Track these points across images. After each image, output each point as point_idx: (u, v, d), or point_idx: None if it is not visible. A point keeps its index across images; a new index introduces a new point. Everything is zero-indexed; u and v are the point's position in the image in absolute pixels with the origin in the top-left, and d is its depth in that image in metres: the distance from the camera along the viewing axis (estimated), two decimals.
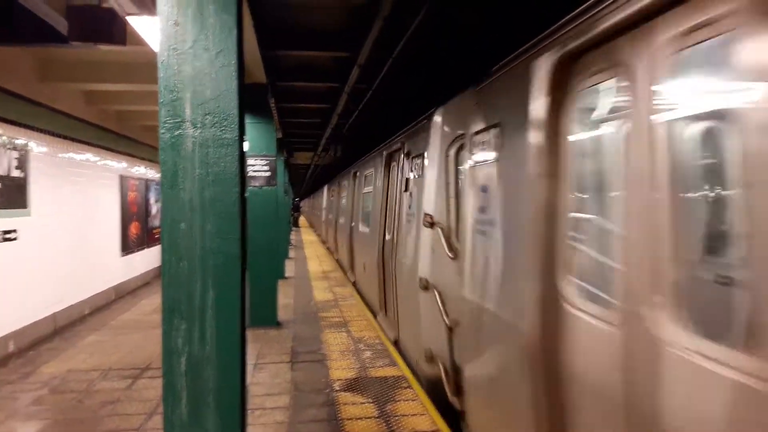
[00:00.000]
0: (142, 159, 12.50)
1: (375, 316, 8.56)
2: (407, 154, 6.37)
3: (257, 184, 7.87)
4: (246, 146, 8.02)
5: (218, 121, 2.80)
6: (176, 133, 2.78)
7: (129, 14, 4.19)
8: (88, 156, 9.36)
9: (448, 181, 4.60)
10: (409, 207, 6.09)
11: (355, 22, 5.94)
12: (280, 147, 13.26)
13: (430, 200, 4.91)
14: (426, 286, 4.90)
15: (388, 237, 7.45)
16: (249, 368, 6.07)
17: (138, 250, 12.00)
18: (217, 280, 2.82)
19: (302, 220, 47.25)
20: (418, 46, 5.92)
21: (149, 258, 13.05)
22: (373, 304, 8.84)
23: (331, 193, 18.10)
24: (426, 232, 4.98)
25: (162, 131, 2.78)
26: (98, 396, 5.16)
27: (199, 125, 2.79)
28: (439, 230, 4.53)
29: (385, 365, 6.18)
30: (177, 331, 2.79)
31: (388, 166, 7.98)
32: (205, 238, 2.81)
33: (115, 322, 8.54)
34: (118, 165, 10.93)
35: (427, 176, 5.10)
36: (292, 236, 25.64)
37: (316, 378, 5.74)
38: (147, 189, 12.85)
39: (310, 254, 19.15)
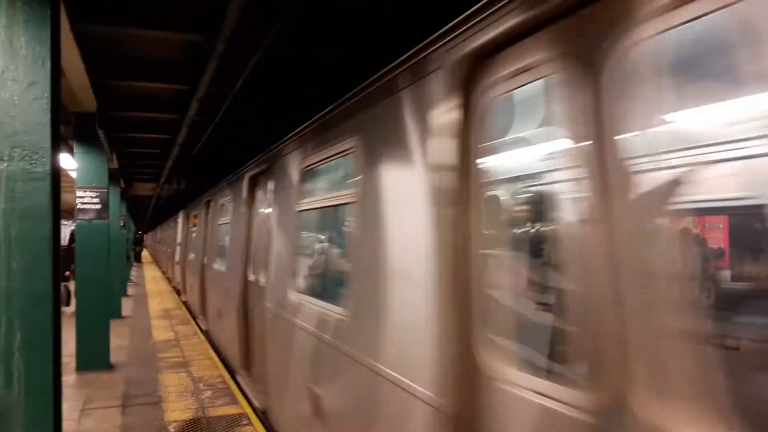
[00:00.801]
0: None
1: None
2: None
3: (86, 217, 7.39)
4: (75, 177, 7.57)
5: (28, 154, 2.70)
6: None
7: None
8: None
9: None
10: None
11: (193, 56, 5.93)
12: (116, 177, 12.52)
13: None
14: None
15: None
16: (75, 414, 5.64)
17: None
18: (25, 321, 2.68)
19: (145, 254, 44.46)
20: (257, 82, 6.05)
21: None
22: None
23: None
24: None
25: None
26: None
27: (6, 158, 2.67)
28: None
29: (225, 404, 6.05)
30: None
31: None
32: (11, 277, 2.66)
33: None
34: None
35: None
36: (134, 272, 24.04)
37: (149, 421, 5.47)
38: None
39: (152, 291, 18.09)
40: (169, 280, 21.57)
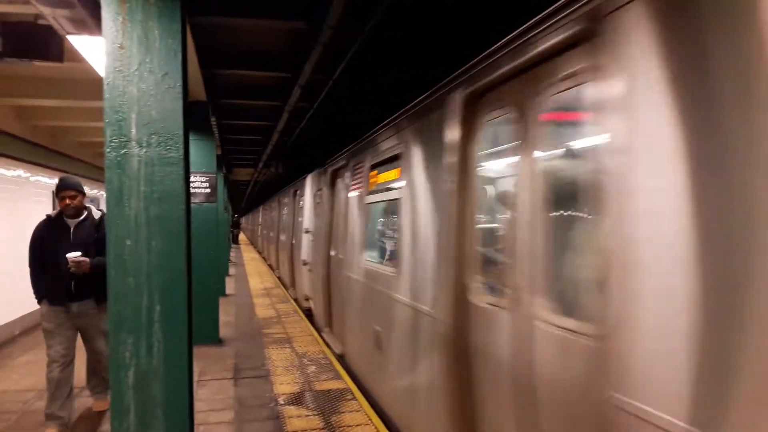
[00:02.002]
0: (76, 175, 12.14)
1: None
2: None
3: (197, 201, 7.86)
4: None
5: (163, 140, 2.90)
6: (122, 152, 2.87)
7: (69, 33, 4.20)
8: (18, 172, 9.07)
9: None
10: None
11: (296, 45, 6.11)
12: (220, 163, 13.18)
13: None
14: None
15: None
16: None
17: None
18: (164, 295, 2.90)
19: (242, 237, 46.56)
20: (356, 72, 6.16)
21: None
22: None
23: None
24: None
25: (107, 150, 2.86)
26: (35, 416, 5.01)
27: (144, 144, 2.89)
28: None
29: (329, 378, 6.28)
30: (124, 345, 2.85)
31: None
32: (151, 255, 2.89)
33: None
34: (50, 181, 10.60)
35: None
36: (232, 253, 25.28)
37: (259, 393, 5.78)
38: None
39: (251, 271, 18.97)
40: (265, 260, 22.56)
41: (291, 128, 9.90)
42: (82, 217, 4.90)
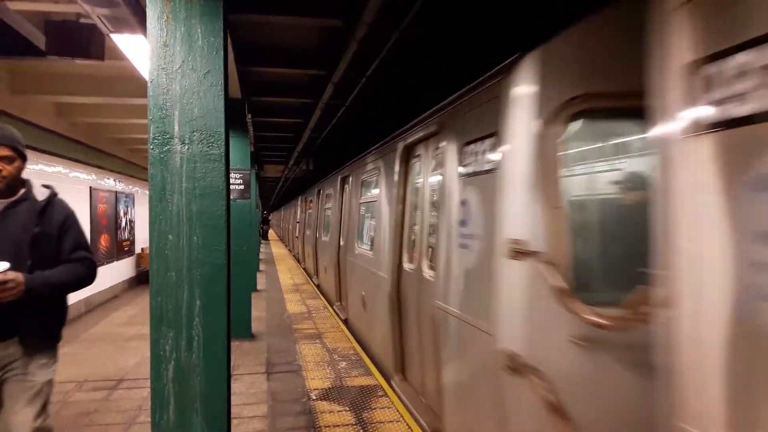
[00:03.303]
0: (112, 171, 12.41)
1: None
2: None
3: (232, 197, 7.94)
4: None
5: (205, 137, 2.93)
6: (165, 148, 2.91)
7: (112, 32, 4.28)
8: (58, 168, 9.30)
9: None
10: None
11: (330, 42, 6.13)
12: (252, 160, 13.33)
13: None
14: None
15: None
16: None
17: (108, 263, 11.87)
18: (204, 290, 2.94)
19: (271, 233, 47.01)
20: (390, 68, 6.15)
21: (119, 271, 12.92)
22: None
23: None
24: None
25: (151, 147, 2.90)
26: (75, 407, 5.16)
27: (186, 141, 2.92)
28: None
29: (360, 375, 6.31)
30: (165, 338, 2.89)
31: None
32: (192, 250, 2.93)
33: (86, 335, 8.47)
34: (88, 177, 10.86)
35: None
36: (262, 249, 25.54)
37: (292, 388, 5.84)
38: (117, 201, 12.75)
39: (280, 267, 19.14)
40: (296, 258, 22.75)
41: (324, 125, 9.96)
42: (16, 197, 3.03)
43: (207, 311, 2.95)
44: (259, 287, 13.43)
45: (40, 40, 5.54)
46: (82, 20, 5.10)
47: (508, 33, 4.73)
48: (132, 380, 6.03)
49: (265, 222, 36.98)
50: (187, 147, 2.93)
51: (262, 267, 18.36)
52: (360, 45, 5.12)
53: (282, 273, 17.14)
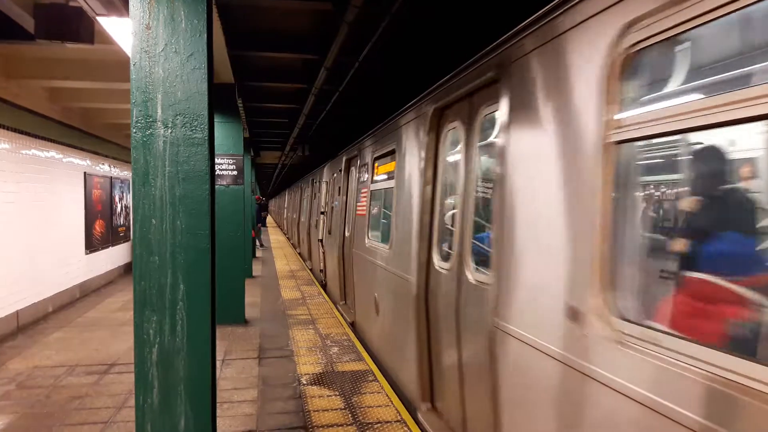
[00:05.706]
0: (107, 157, 12.37)
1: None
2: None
3: (224, 183, 7.93)
4: None
5: (188, 121, 2.92)
6: (147, 132, 2.90)
7: (98, 15, 4.24)
8: (51, 153, 9.26)
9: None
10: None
11: (323, 26, 6.08)
12: (247, 146, 13.28)
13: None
14: None
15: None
16: (217, 364, 6.11)
17: (103, 248, 11.87)
18: (188, 274, 2.94)
19: (269, 219, 46.97)
20: (382, 53, 6.11)
21: (114, 256, 12.93)
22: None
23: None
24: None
25: (134, 130, 2.89)
26: (66, 391, 5.19)
27: (170, 125, 2.91)
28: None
29: (351, 360, 6.33)
30: (148, 322, 2.90)
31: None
32: (176, 234, 2.93)
33: (80, 320, 8.49)
34: (82, 162, 10.82)
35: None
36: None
37: (283, 373, 5.86)
38: (112, 187, 12.72)
39: (277, 253, 19.16)
40: (291, 242, 22.76)
41: (317, 111, 9.91)
42: None
43: (191, 295, 2.95)
44: (255, 274, 13.45)
45: (29, 23, 5.49)
46: (71, 3, 5.05)
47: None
48: (124, 365, 6.05)
49: (264, 209, 36.91)
50: (170, 131, 2.91)
51: (258, 254, 18.38)
52: (350, 28, 5.07)
53: (278, 259, 17.16)
